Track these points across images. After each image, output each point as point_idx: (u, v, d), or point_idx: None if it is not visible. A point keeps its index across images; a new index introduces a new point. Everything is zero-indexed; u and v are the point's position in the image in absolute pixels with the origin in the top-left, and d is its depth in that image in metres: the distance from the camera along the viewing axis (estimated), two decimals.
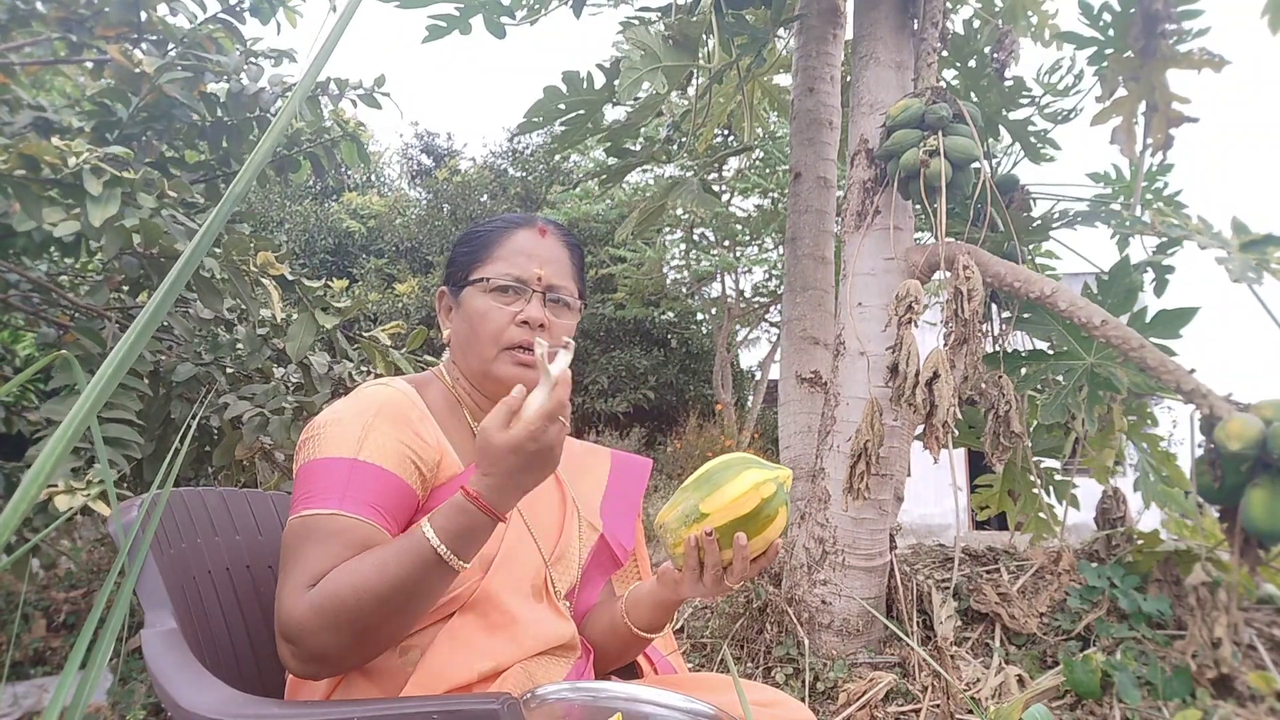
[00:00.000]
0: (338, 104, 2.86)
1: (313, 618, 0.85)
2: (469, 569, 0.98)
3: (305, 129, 2.88)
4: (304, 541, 0.91)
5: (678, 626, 2.67)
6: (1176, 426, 2.63)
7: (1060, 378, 2.25)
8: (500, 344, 1.06)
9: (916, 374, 2.01)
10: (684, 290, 11.30)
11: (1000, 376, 2.08)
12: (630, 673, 1.21)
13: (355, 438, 0.97)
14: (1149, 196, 2.72)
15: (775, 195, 9.41)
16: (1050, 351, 2.31)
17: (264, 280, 2.21)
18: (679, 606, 1.13)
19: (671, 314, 11.69)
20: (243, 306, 2.51)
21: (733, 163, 9.40)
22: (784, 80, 3.64)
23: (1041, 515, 2.62)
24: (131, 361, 0.32)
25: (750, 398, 11.97)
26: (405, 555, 0.87)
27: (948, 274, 2.19)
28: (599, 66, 2.52)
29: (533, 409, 0.89)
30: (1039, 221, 2.61)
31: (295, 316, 2.30)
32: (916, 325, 2.08)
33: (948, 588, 2.49)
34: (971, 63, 2.65)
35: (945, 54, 2.58)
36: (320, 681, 0.98)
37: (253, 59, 2.75)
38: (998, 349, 2.38)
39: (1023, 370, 2.33)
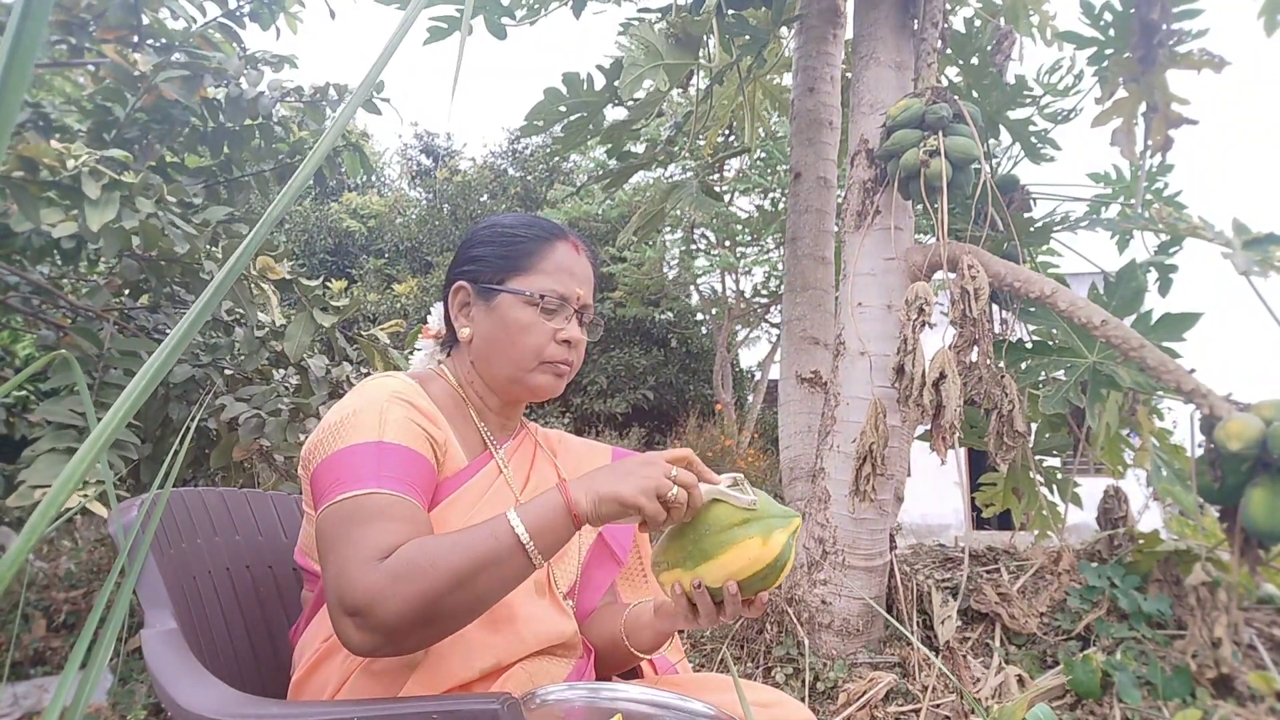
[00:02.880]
0: (336, 109, 2.87)
1: (387, 584, 0.84)
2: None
3: (309, 138, 2.88)
4: (351, 523, 0.90)
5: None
6: (1176, 426, 2.62)
7: (1062, 374, 2.25)
8: (540, 359, 1.09)
9: (923, 375, 2.01)
10: (683, 290, 11.31)
11: (1003, 375, 2.08)
12: (631, 673, 1.22)
13: (375, 423, 0.98)
14: (1149, 197, 2.72)
15: (775, 195, 9.41)
16: (1053, 345, 2.31)
17: (262, 284, 2.21)
18: (674, 633, 1.14)
19: (671, 314, 11.69)
20: (240, 310, 2.51)
21: (733, 163, 9.40)
22: (785, 80, 3.64)
23: (1045, 513, 2.62)
24: (166, 372, 0.32)
25: (750, 398, 11.97)
26: (485, 535, 0.88)
27: (949, 274, 2.19)
28: (599, 68, 2.52)
29: (678, 466, 0.92)
30: (1040, 224, 2.61)
31: (293, 316, 2.30)
32: (932, 327, 2.09)
33: (948, 588, 2.49)
34: (974, 60, 2.65)
35: (949, 52, 2.58)
36: (321, 679, 0.99)
37: (253, 66, 2.75)
38: (1001, 340, 2.38)
39: (1024, 364, 2.32)
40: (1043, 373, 2.30)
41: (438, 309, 1.22)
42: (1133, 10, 2.33)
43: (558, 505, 0.89)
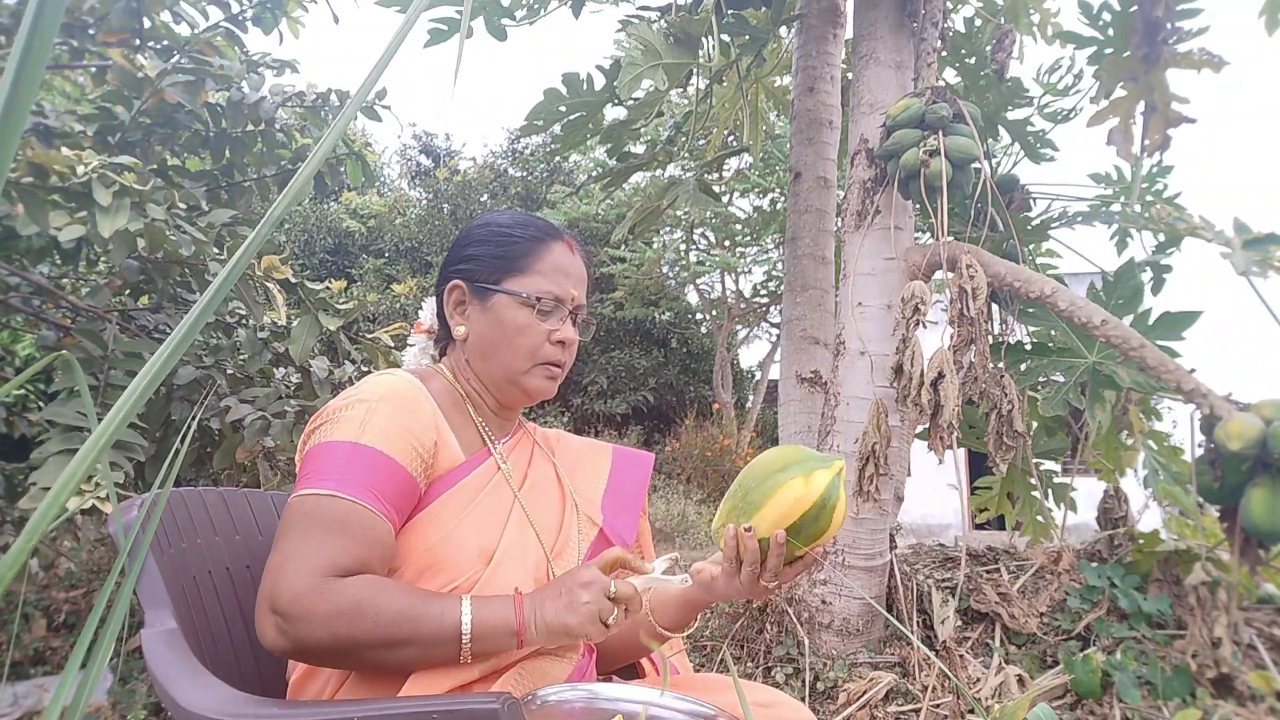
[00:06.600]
0: (337, 115, 2.86)
1: (325, 612, 0.87)
2: (472, 563, 1.00)
3: (313, 145, 2.88)
4: (307, 524, 0.92)
5: None
6: (1176, 426, 2.63)
7: (1060, 375, 2.25)
8: (535, 359, 1.10)
9: (921, 374, 2.01)
10: (683, 290, 11.31)
11: (1003, 375, 2.08)
12: (631, 673, 1.22)
13: (358, 422, 0.99)
14: (1149, 198, 2.72)
15: (775, 195, 9.41)
16: (1053, 346, 2.31)
17: (268, 284, 2.21)
18: (707, 607, 1.15)
19: (671, 314, 11.68)
20: (242, 311, 2.51)
21: (732, 163, 9.40)
22: (785, 80, 3.64)
23: (1040, 518, 2.62)
24: (165, 374, 0.32)
25: (750, 398, 11.97)
26: (435, 614, 0.91)
27: (949, 274, 2.19)
28: (599, 68, 2.52)
29: (607, 578, 0.96)
30: (1039, 221, 2.61)
31: (297, 319, 2.30)
32: (925, 327, 2.08)
33: (948, 587, 2.48)
34: (971, 61, 2.65)
35: (945, 53, 2.58)
36: (321, 680, 0.99)
37: (255, 70, 2.75)
38: (1000, 341, 2.38)
39: (1023, 366, 2.32)
40: (1041, 374, 2.30)
41: (429, 304, 1.22)
42: (1134, 9, 2.33)
43: (508, 621, 0.93)
